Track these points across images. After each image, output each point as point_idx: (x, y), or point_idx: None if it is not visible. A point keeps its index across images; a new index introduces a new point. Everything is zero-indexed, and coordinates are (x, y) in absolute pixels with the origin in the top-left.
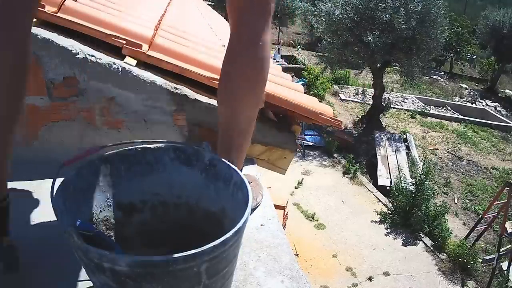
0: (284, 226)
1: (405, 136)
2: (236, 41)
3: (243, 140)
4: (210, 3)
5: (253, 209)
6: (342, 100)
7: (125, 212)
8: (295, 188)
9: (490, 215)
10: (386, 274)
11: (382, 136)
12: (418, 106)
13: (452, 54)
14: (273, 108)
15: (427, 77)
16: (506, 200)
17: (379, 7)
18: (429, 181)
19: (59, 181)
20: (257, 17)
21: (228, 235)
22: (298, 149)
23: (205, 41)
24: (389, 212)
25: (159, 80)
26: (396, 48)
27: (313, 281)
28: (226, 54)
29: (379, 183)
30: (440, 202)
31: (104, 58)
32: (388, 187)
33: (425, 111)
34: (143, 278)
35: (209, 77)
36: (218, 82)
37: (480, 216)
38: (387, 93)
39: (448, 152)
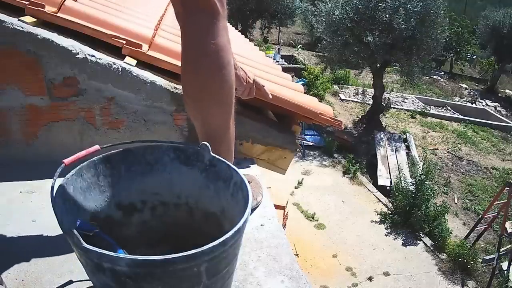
0: (284, 226)
1: (405, 136)
2: (183, 57)
3: (219, 147)
4: None
5: (253, 209)
6: (342, 100)
7: (125, 212)
8: (295, 188)
9: (490, 215)
10: (386, 274)
11: (382, 136)
12: (418, 106)
13: (452, 54)
14: (273, 108)
15: (427, 77)
16: (506, 200)
17: (379, 7)
18: (429, 181)
19: (59, 181)
20: (198, 26)
21: (228, 235)
22: (298, 149)
23: None
24: (389, 212)
25: (159, 80)
26: (396, 48)
27: (313, 281)
28: (181, 69)
29: (379, 183)
30: (440, 202)
31: (104, 58)
32: (388, 187)
33: (425, 111)
34: (143, 278)
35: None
36: None
37: (480, 216)
38: (387, 93)
39: (448, 152)
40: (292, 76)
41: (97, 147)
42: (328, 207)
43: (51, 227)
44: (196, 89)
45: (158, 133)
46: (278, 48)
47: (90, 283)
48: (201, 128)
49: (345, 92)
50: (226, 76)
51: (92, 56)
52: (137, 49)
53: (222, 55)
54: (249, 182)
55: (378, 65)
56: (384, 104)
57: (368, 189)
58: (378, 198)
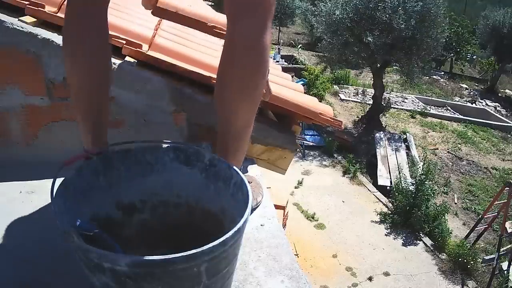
0: (284, 226)
1: (405, 136)
2: (229, 49)
3: (239, 144)
4: (210, 3)
5: (253, 209)
6: (342, 100)
7: (125, 212)
8: (295, 188)
9: (490, 215)
10: (386, 274)
11: (382, 136)
12: (418, 106)
13: (452, 54)
14: (273, 108)
15: (427, 77)
16: (506, 200)
17: (379, 7)
18: (429, 181)
19: (59, 181)
20: (252, 21)
21: (228, 235)
22: (298, 149)
23: (205, 41)
24: (389, 212)
25: (159, 80)
26: (396, 48)
27: (313, 281)
28: (220, 61)
29: (379, 183)
30: (440, 202)
31: None
32: (388, 187)
33: (425, 111)
34: (143, 278)
35: (209, 76)
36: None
37: (480, 216)
38: (387, 93)
39: (448, 152)
40: (292, 76)
41: (97, 148)
42: (328, 207)
43: (51, 227)
44: (239, 82)
45: (158, 133)
46: (278, 48)
47: (89, 283)
48: (225, 123)
49: (345, 92)
50: (263, 74)
51: None
52: (137, 49)
53: (264, 54)
54: (249, 182)
55: (378, 65)
56: (384, 104)
57: (368, 189)
58: (378, 198)
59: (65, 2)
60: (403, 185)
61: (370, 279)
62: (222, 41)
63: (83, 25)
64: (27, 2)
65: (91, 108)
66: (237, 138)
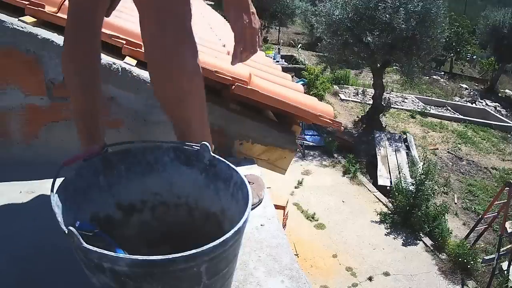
0: (284, 226)
1: (405, 136)
2: (150, 67)
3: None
4: (210, 3)
5: (253, 207)
6: (342, 100)
7: (125, 212)
8: (295, 188)
9: (490, 215)
10: (386, 274)
11: (382, 136)
12: (418, 106)
13: (452, 54)
14: (273, 108)
15: (427, 77)
16: (506, 200)
17: (379, 7)
18: (429, 181)
19: (59, 181)
20: (167, 40)
21: (228, 235)
22: (298, 149)
23: (205, 41)
24: (389, 212)
25: None
26: (396, 48)
27: (313, 281)
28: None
29: (379, 183)
30: (440, 202)
31: (104, 58)
32: (388, 187)
33: (425, 111)
34: (143, 278)
35: (210, 72)
36: (219, 82)
37: (480, 216)
38: (387, 93)
39: (448, 152)
40: (292, 76)
41: (96, 147)
42: (328, 207)
43: (51, 227)
44: (162, 99)
45: (158, 133)
46: (278, 48)
47: (90, 283)
48: (176, 124)
49: (345, 92)
50: (188, 76)
51: None
52: (137, 49)
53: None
54: (252, 182)
55: (378, 65)
56: (384, 104)
57: (368, 189)
58: (378, 198)
59: (65, 2)
60: (403, 185)
61: (370, 279)
62: (222, 42)
63: (79, 31)
64: (27, 2)
65: (82, 107)
66: (191, 135)
